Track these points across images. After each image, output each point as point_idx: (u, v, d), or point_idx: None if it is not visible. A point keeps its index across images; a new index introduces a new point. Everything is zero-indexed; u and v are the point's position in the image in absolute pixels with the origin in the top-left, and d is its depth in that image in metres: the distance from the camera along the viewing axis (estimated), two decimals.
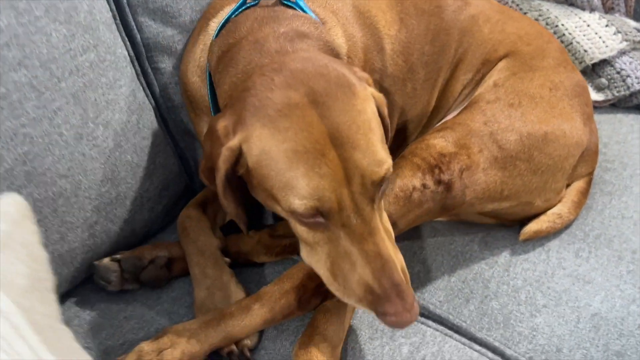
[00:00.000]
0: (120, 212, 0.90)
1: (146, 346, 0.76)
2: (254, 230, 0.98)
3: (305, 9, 0.85)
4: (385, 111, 0.77)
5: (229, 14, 0.86)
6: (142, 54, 1.00)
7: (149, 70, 1.01)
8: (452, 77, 1.13)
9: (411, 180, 0.92)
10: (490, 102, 1.02)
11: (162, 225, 1.03)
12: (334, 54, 0.83)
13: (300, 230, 0.72)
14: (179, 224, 0.94)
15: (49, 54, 0.75)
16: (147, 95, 1.00)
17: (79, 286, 0.93)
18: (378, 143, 0.69)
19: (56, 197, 0.78)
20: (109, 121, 0.85)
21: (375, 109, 0.72)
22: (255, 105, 0.68)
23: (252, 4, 0.85)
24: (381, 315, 0.68)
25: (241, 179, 0.73)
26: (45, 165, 0.76)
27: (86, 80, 0.81)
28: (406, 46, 1.05)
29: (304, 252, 0.75)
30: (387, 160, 0.69)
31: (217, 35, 0.86)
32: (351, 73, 0.73)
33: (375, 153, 0.68)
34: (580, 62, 1.41)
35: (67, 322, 0.87)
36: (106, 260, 0.90)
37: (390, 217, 0.91)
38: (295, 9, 0.85)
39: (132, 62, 0.97)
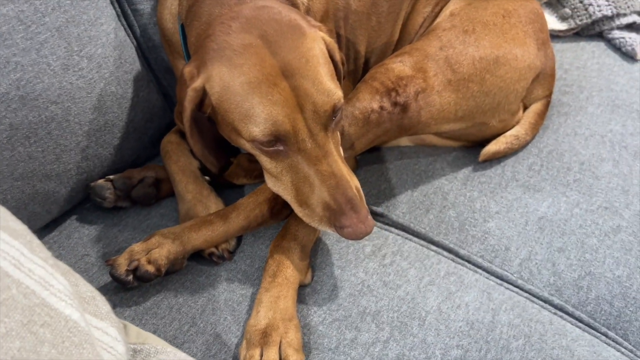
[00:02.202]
0: (109, 139, 1.00)
1: (136, 247, 0.88)
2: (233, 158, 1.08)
3: None
4: (337, 55, 0.85)
5: None
6: None
7: (129, 11, 1.10)
8: (413, 10, 1.20)
9: (370, 102, 1.01)
10: (446, 30, 1.10)
11: (150, 155, 1.13)
12: (292, 4, 0.90)
13: (264, 161, 0.81)
14: (162, 148, 1.04)
15: None
16: (128, 35, 1.08)
17: (77, 206, 1.04)
18: (326, 76, 0.78)
19: (49, 121, 0.88)
20: (92, 54, 0.94)
21: (324, 50, 0.81)
22: (214, 49, 0.77)
23: None
24: (339, 228, 0.78)
25: (211, 122, 0.82)
26: (37, 91, 0.86)
27: (68, 16, 0.90)
28: None
29: (270, 182, 0.84)
30: (336, 92, 0.78)
31: None
32: (303, 19, 0.82)
33: (323, 83, 0.77)
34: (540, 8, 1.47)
35: (69, 235, 0.99)
36: (100, 180, 1.01)
37: (350, 137, 1.02)
38: None
39: (112, 3, 1.05)
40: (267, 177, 0.85)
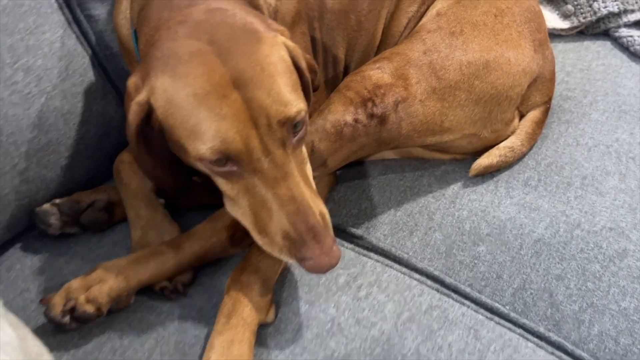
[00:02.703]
0: (54, 159, 0.91)
1: (74, 283, 0.78)
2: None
3: None
4: (303, 63, 0.75)
5: None
6: (72, 1, 0.98)
7: (82, 18, 1.00)
8: (397, 10, 1.09)
9: (343, 115, 0.90)
10: (431, 32, 0.99)
11: (108, 174, 1.03)
12: (254, 5, 0.81)
13: (219, 182, 0.72)
14: (114, 168, 0.95)
15: None
16: (81, 43, 0.99)
17: (22, 234, 0.95)
18: (285, 86, 0.68)
19: None
20: (30, 66, 0.85)
21: (285, 57, 0.71)
22: (158, 57, 0.68)
23: None
24: (300, 261, 0.69)
25: (164, 137, 0.73)
26: None
27: None
28: None
29: (228, 206, 0.75)
30: (296, 103, 0.68)
31: None
32: (261, 23, 0.72)
33: (281, 94, 0.67)
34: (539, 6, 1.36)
35: (10, 267, 0.90)
36: (46, 205, 0.91)
37: (321, 153, 0.91)
38: None
39: (61, 9, 0.96)
40: (225, 200, 0.75)
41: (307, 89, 0.77)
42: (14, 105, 0.83)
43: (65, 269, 0.88)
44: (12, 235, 0.92)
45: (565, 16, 1.37)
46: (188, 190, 0.92)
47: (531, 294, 0.90)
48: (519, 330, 0.87)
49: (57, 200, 0.92)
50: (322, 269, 0.69)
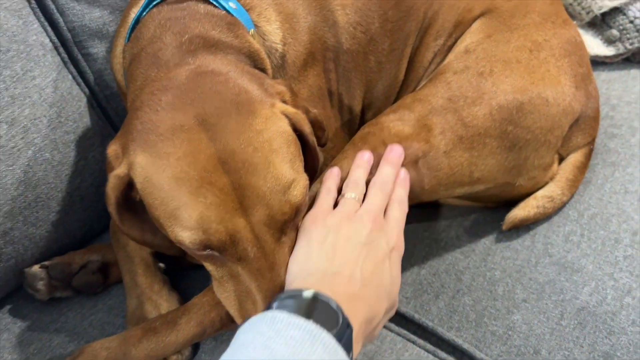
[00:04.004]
0: (43, 215, 0.83)
1: None
2: None
3: (221, 1, 0.74)
4: (306, 127, 0.67)
5: (137, 13, 0.76)
6: (69, 40, 0.91)
7: (80, 57, 0.93)
8: (422, 45, 0.99)
9: None
10: (457, 73, 0.89)
11: (105, 224, 0.96)
12: (254, 58, 0.73)
13: (204, 264, 0.64)
14: (110, 227, 0.87)
15: None
16: (78, 84, 0.92)
17: (14, 294, 0.88)
18: (283, 164, 0.60)
19: None
20: (15, 118, 0.77)
21: (283, 128, 0.63)
22: (138, 129, 0.60)
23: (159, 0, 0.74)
24: None
25: None
26: None
27: None
28: (365, 14, 0.92)
29: (215, 287, 0.67)
30: (297, 184, 0.60)
31: (128, 38, 0.77)
32: (258, 88, 0.64)
33: (279, 177, 0.59)
34: (588, 12, 1.24)
35: None
36: (35, 267, 0.84)
37: None
38: (210, 2, 0.74)
39: (56, 49, 0.89)
40: (212, 279, 0.67)
41: (312, 152, 0.69)
42: None
43: (55, 340, 0.81)
44: (0, 296, 0.85)
45: (610, 42, 1.25)
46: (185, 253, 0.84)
47: None
48: None
49: (47, 263, 0.84)
50: None
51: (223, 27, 0.72)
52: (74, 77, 0.91)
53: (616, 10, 1.23)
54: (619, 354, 0.79)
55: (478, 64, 0.89)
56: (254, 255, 0.59)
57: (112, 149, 0.63)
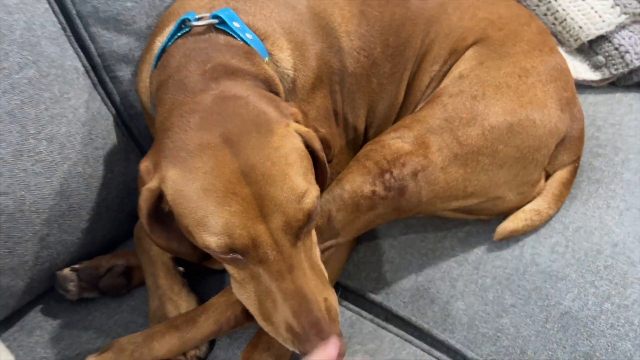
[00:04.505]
0: (75, 223, 0.92)
1: None
2: None
3: (239, 32, 0.82)
4: (317, 144, 0.75)
5: (164, 43, 0.84)
6: (98, 65, 1.00)
7: (107, 79, 1.02)
8: (419, 70, 1.08)
9: (360, 186, 0.89)
10: (452, 96, 0.97)
11: (129, 233, 1.04)
12: (269, 83, 0.81)
13: (227, 266, 0.72)
14: (134, 233, 0.95)
15: None
16: (105, 105, 1.00)
17: (45, 295, 0.96)
18: (297, 176, 0.68)
19: None
20: (53, 135, 0.86)
21: (297, 144, 0.71)
22: (169, 148, 0.68)
23: (185, 30, 0.83)
24: (304, 355, 0.68)
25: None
26: None
27: (24, 97, 0.82)
28: (368, 40, 1.01)
29: (235, 289, 0.74)
30: (310, 194, 0.68)
31: (155, 66, 0.85)
32: (274, 110, 0.72)
33: (294, 188, 0.67)
34: (576, 40, 1.33)
35: (30, 332, 0.91)
36: (66, 270, 0.92)
37: (338, 223, 0.90)
38: (229, 34, 0.82)
39: (87, 72, 0.98)
40: (232, 282, 0.75)
41: (322, 166, 0.76)
42: (36, 175, 0.84)
43: (83, 337, 0.89)
44: (32, 297, 0.93)
45: (596, 67, 1.33)
46: (207, 258, 0.92)
47: None
48: None
49: (77, 266, 0.92)
50: None
51: (241, 56, 0.81)
52: (102, 98, 1.00)
53: (602, 38, 1.31)
54: (598, 354, 0.87)
55: (471, 88, 0.97)
56: (273, 258, 0.66)
57: (144, 165, 0.71)
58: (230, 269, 0.71)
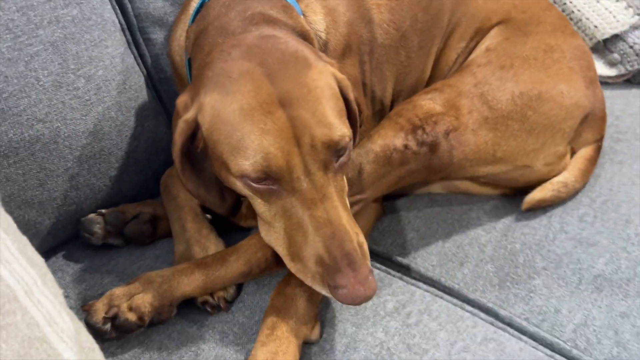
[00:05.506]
0: (104, 168, 0.91)
1: (117, 290, 0.76)
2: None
3: None
4: (351, 95, 0.76)
5: (200, 0, 0.86)
6: (133, 25, 1.02)
7: (141, 40, 1.04)
8: (446, 46, 1.11)
9: (392, 140, 0.90)
10: (481, 65, 0.99)
11: (154, 192, 1.03)
12: (304, 37, 0.83)
13: (257, 204, 0.71)
14: (161, 182, 0.95)
15: (26, 1, 0.78)
16: (137, 64, 1.01)
17: (65, 244, 0.94)
18: (330, 110, 0.68)
19: (34, 140, 0.80)
20: (91, 75, 0.87)
21: (333, 85, 0.72)
22: (209, 77, 0.70)
23: None
24: (333, 289, 0.65)
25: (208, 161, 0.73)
26: (21, 106, 0.78)
27: (67, 33, 0.84)
28: (397, 13, 1.04)
29: (263, 231, 0.74)
30: (341, 128, 0.68)
31: (192, 21, 0.87)
32: (312, 53, 0.73)
33: (325, 116, 0.67)
34: (591, 39, 1.37)
35: (51, 273, 0.88)
36: (91, 214, 0.91)
37: (368, 176, 0.90)
38: None
39: (122, 30, 0.99)
40: (260, 225, 0.74)
41: (354, 120, 0.76)
42: (73, 110, 0.84)
43: (106, 279, 0.86)
44: (56, 242, 0.91)
45: (612, 64, 1.37)
46: (234, 215, 0.90)
47: (594, 330, 0.83)
48: None
49: (103, 210, 0.91)
50: (355, 300, 0.65)
51: (279, 8, 0.83)
52: (135, 57, 1.02)
53: (616, 37, 1.35)
54: (634, 314, 0.84)
55: (499, 59, 0.99)
56: (306, 185, 0.66)
57: (182, 99, 0.72)
58: (261, 205, 0.70)
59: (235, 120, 0.66)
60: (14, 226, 0.59)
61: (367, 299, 0.65)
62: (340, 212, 0.68)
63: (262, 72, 0.67)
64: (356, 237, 0.68)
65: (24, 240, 0.56)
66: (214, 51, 0.73)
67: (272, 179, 0.67)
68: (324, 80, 0.70)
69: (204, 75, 0.71)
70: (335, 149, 0.68)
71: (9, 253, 0.54)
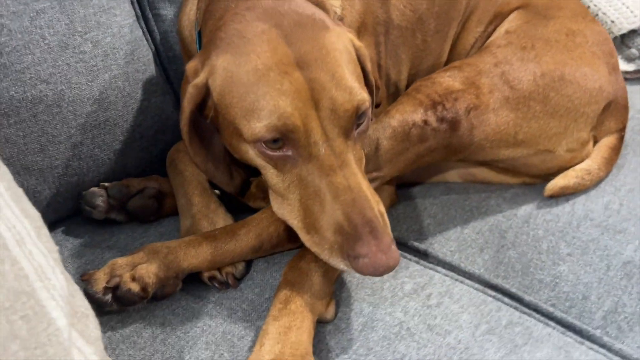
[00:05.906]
0: (108, 140, 0.87)
1: (120, 260, 0.71)
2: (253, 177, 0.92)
3: None
4: (369, 65, 0.72)
5: None
6: None
7: (150, 15, 1.00)
8: (464, 30, 1.08)
9: (411, 115, 0.86)
10: (501, 46, 0.96)
11: (159, 172, 0.98)
12: (320, 7, 0.78)
13: (270, 174, 0.67)
14: (168, 157, 0.90)
15: None
16: (146, 40, 0.98)
17: (66, 219, 0.89)
18: (350, 74, 0.65)
19: (36, 101, 0.76)
20: (98, 41, 0.83)
21: (351, 49, 0.69)
22: (221, 38, 0.66)
23: None
24: (353, 259, 0.60)
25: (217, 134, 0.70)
26: (24, 63, 0.74)
27: None
28: None
29: (276, 204, 0.69)
30: (361, 92, 0.64)
31: None
32: (329, 19, 0.70)
33: (345, 79, 0.64)
34: (609, 34, 1.34)
35: None
36: (93, 187, 0.86)
37: (386, 153, 0.86)
38: None
39: (132, 4, 0.96)
40: (272, 198, 0.70)
41: (370, 93, 0.73)
42: (78, 74, 0.80)
43: (107, 255, 0.81)
44: (56, 216, 0.86)
45: (630, 59, 1.34)
46: (242, 194, 0.85)
47: (625, 317, 0.79)
48: (616, 358, 0.74)
49: (106, 184, 0.86)
50: (377, 269, 0.60)
51: None
52: (143, 32, 0.98)
53: (634, 33, 1.33)
54: None
55: (520, 41, 0.96)
56: (324, 151, 0.62)
57: (191, 65, 0.68)
58: (274, 176, 0.66)
59: (250, 81, 0.62)
60: (9, 176, 0.55)
61: (390, 269, 0.60)
62: (359, 178, 0.64)
63: (278, 33, 0.64)
64: (377, 205, 0.64)
65: (20, 192, 0.52)
66: (226, 15, 0.70)
67: (288, 144, 0.63)
68: (342, 44, 0.67)
69: (216, 37, 0.67)
70: (355, 115, 0.64)
71: (1, 199, 0.50)
